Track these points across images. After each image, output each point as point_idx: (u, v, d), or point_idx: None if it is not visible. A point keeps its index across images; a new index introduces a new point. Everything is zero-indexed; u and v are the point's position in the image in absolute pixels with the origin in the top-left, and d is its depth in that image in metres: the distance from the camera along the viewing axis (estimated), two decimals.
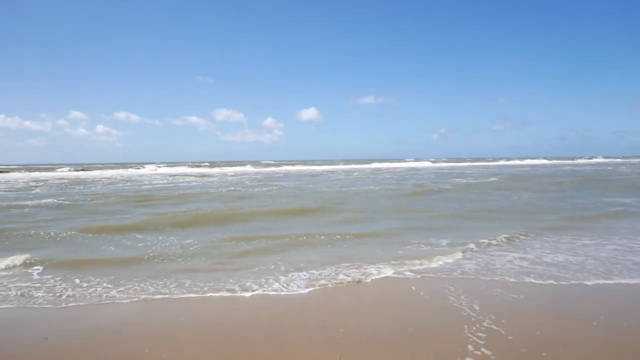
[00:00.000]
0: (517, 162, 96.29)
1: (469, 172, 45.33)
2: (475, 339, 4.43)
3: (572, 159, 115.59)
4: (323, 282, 6.52)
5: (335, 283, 6.48)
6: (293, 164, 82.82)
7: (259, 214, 14.08)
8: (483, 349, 4.19)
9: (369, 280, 6.60)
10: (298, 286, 6.34)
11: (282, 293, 6.10)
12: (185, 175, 45.48)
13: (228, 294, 6.04)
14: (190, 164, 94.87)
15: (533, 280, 6.53)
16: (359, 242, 9.47)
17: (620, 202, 16.19)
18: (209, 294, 6.04)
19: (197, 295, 6.01)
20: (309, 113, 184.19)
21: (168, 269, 7.42)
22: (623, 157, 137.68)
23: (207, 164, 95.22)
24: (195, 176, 42.48)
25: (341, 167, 70.21)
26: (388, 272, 6.96)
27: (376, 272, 6.95)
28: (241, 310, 5.45)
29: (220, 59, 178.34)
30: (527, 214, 13.41)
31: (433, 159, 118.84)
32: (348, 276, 6.77)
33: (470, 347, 4.23)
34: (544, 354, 4.11)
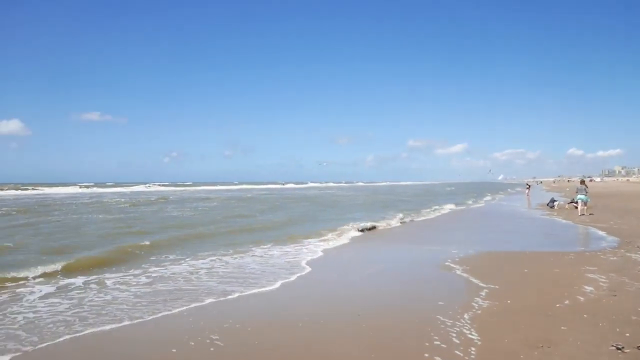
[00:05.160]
0: (250, 186, 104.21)
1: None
2: None
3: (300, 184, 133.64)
4: None
5: None
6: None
7: None
8: None
9: None
10: None
11: None
12: None
13: None
14: None
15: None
16: None
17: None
18: None
19: None
20: (10, 126, 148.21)
21: None
22: (324, 182, 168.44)
23: None
24: None
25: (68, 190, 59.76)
26: None
27: None
28: None
29: None
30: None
31: (167, 183, 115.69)
32: None
33: None
34: None
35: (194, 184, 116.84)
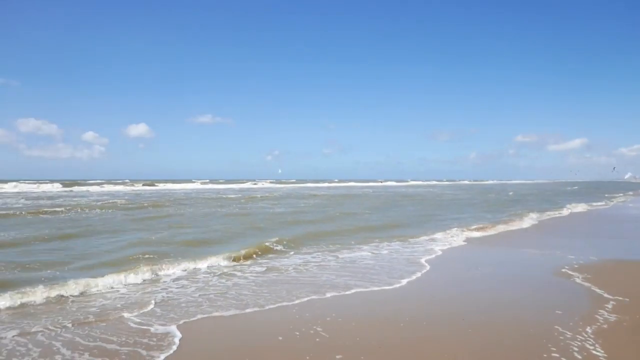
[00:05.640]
0: (354, 184, 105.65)
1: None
2: None
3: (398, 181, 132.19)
4: None
5: None
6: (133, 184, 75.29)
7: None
8: None
9: None
10: None
11: None
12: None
13: None
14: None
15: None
16: None
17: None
18: None
19: None
20: (139, 129, 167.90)
21: None
22: (425, 180, 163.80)
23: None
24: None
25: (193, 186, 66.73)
26: None
27: None
28: None
29: (29, 58, 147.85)
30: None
31: (275, 180, 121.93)
32: None
33: None
34: (362, 357, 4.63)
35: (298, 181, 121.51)
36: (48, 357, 4.72)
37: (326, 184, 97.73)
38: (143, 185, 71.29)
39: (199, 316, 6.04)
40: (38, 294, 6.72)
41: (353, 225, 16.89)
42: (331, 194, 45.20)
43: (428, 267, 9.21)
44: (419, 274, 8.57)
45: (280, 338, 5.19)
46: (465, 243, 12.75)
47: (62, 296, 6.89)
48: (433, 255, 10.57)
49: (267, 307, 6.45)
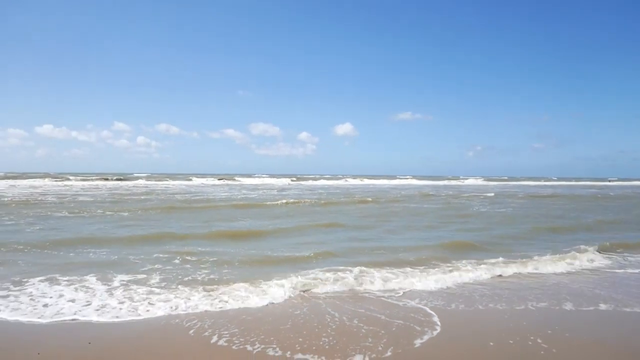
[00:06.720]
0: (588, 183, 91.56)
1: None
2: None
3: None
4: None
5: None
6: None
7: None
8: None
9: None
10: None
11: None
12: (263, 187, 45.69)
13: None
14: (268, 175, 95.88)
15: None
16: None
17: None
18: None
19: None
20: (344, 128, 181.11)
21: None
22: None
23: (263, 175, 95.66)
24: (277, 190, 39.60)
25: (411, 182, 69.24)
26: None
27: None
28: None
29: (259, 73, 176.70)
30: None
31: (480, 177, 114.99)
32: None
33: None
34: None
35: (510, 179, 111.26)
36: (318, 315, 5.27)
37: (544, 182, 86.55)
38: (361, 180, 76.21)
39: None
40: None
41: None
42: (567, 194, 37.73)
43: None
44: None
45: (492, 343, 4.80)
46: None
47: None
48: None
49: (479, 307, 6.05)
